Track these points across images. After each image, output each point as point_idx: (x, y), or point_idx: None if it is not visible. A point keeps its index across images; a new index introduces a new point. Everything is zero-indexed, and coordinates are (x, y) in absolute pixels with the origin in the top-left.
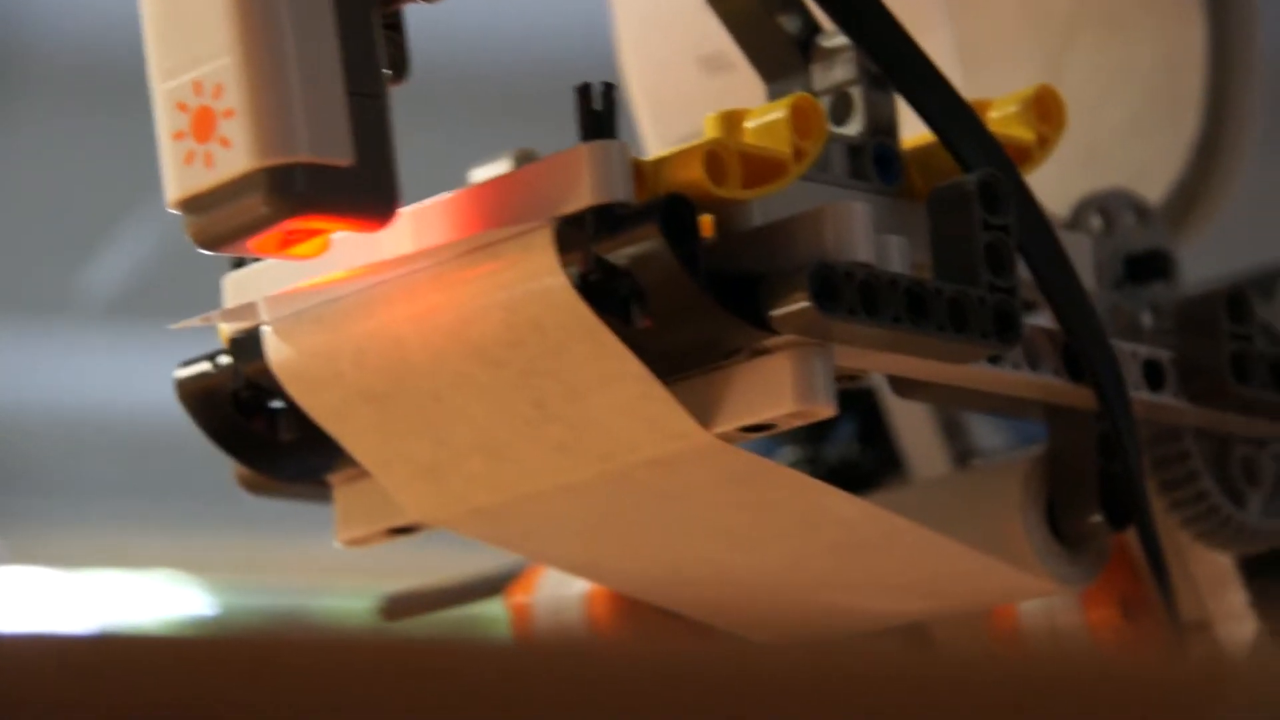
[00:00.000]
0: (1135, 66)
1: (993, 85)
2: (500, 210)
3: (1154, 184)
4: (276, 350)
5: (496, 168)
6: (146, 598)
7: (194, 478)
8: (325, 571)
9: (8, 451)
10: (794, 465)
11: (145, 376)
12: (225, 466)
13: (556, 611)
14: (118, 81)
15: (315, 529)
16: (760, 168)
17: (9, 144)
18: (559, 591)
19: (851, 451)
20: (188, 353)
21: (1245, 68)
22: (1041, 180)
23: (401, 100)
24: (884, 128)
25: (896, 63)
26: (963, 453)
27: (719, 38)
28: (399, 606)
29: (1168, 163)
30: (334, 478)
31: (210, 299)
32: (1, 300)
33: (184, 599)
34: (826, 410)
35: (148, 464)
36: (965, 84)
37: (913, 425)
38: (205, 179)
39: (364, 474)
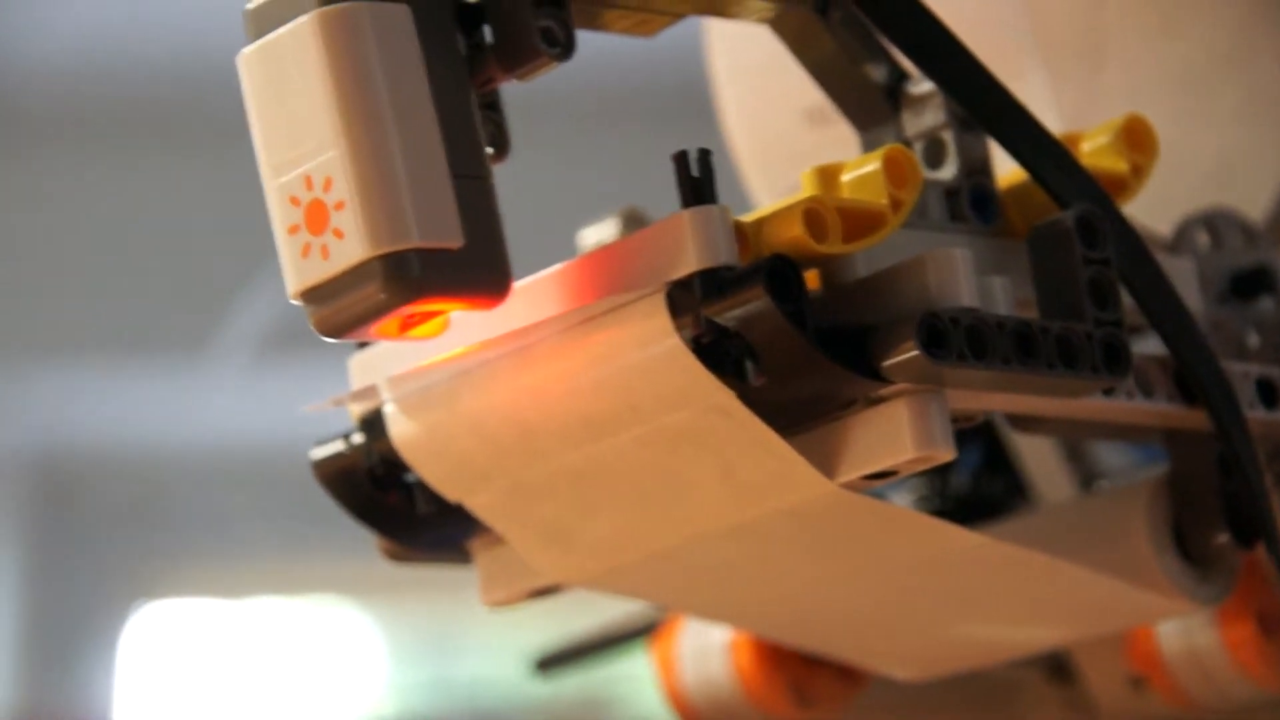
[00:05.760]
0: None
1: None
2: (609, 279)
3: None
4: (399, 429)
5: (604, 229)
6: (310, 624)
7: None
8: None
9: (163, 487)
10: (920, 498)
11: (293, 408)
12: None
13: (701, 659)
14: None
15: None
16: (859, 220)
17: (151, 185)
18: (702, 640)
19: (977, 480)
20: (337, 384)
21: None
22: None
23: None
24: (978, 168)
25: (983, 106)
26: (1088, 475)
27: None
28: (552, 660)
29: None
30: (473, 544)
31: None
32: (153, 338)
33: (346, 623)
34: (946, 454)
35: (305, 492)
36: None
37: (1036, 451)
38: (323, 270)
39: (501, 539)
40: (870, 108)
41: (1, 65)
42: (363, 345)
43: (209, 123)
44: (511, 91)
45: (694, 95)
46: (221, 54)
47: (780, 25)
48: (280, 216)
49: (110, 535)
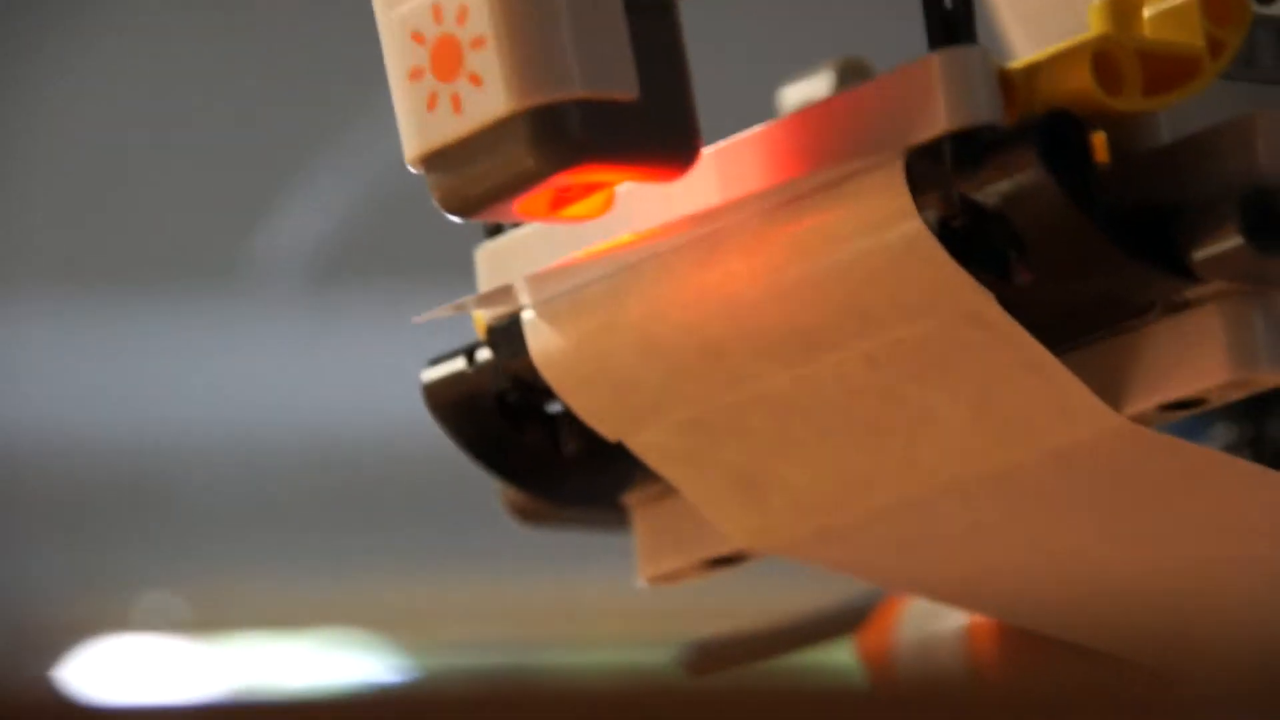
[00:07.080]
0: None
1: None
2: (827, 145)
3: None
4: (543, 343)
5: (815, 84)
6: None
7: (404, 501)
8: (569, 620)
9: (136, 485)
10: (1229, 444)
11: (329, 374)
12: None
13: (926, 652)
14: None
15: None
16: (1165, 68)
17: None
18: (928, 627)
19: None
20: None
21: None
22: None
23: None
24: None
25: None
26: None
27: None
28: (707, 657)
29: None
30: (632, 498)
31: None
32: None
33: (373, 663)
34: (1273, 377)
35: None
36: None
37: None
38: (452, 128)
39: (670, 492)
40: None
41: None
42: (495, 232)
43: None
44: None
45: None
46: None
47: None
48: (398, 58)
49: (54, 549)
